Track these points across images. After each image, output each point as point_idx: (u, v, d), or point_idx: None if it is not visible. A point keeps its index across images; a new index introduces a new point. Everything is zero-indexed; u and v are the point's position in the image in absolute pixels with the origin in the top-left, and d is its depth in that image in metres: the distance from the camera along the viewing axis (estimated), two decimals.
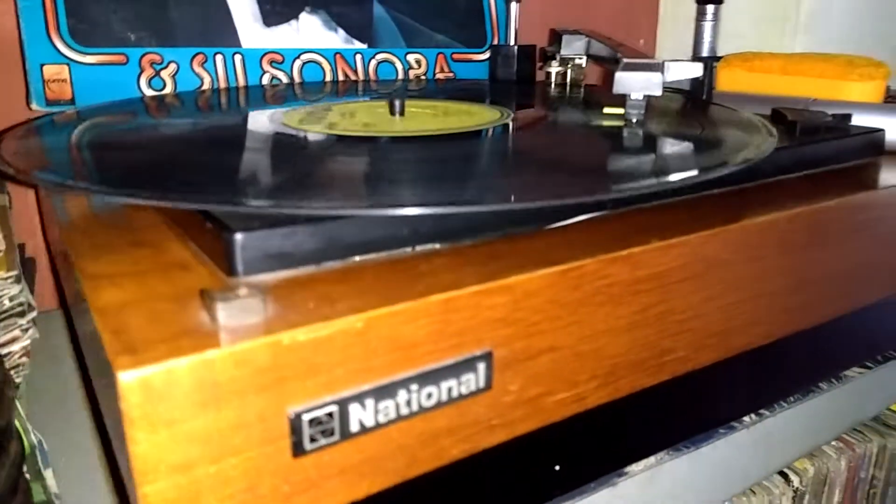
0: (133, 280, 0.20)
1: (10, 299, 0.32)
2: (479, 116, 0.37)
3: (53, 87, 0.43)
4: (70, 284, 0.27)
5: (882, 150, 0.35)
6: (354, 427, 0.19)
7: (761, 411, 0.34)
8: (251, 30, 0.49)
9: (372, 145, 0.32)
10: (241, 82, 0.48)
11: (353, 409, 0.18)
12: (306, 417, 0.18)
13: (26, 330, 0.32)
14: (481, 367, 0.20)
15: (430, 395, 0.20)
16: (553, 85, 0.51)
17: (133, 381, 0.15)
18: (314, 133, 0.33)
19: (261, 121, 0.36)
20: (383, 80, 0.53)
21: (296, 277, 0.20)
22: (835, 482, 0.42)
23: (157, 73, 0.46)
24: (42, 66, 0.42)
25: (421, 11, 0.56)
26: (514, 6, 0.53)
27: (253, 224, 0.20)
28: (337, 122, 0.35)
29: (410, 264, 0.21)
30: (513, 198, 0.23)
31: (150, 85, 0.45)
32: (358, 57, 0.53)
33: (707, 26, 0.56)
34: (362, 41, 0.53)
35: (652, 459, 0.30)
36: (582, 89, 0.50)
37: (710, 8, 0.56)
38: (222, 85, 0.47)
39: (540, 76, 0.55)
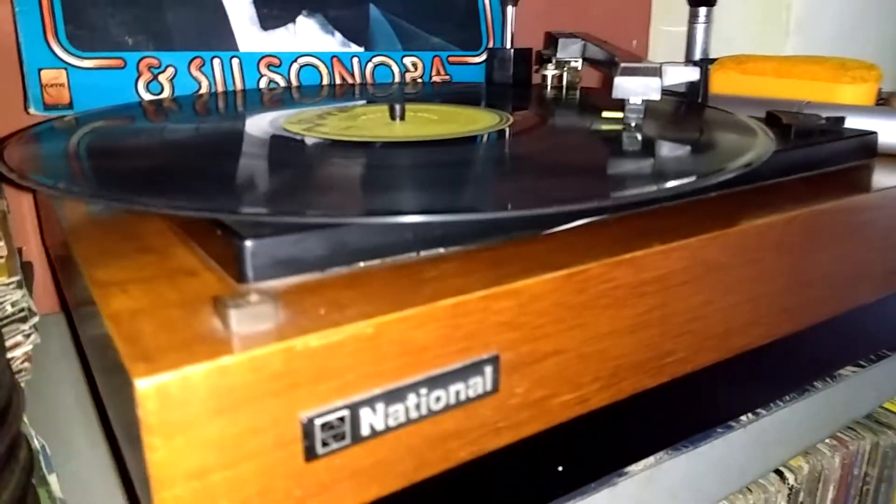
0: (142, 287, 0.21)
1: (12, 305, 0.32)
2: (479, 120, 0.37)
3: (51, 91, 0.43)
4: (74, 289, 0.27)
5: (875, 152, 0.36)
6: (365, 431, 0.19)
7: (758, 410, 0.35)
8: (248, 33, 0.49)
9: (376, 151, 0.32)
10: (239, 86, 0.48)
11: (364, 413, 0.19)
12: (318, 422, 0.18)
13: (28, 335, 0.33)
14: (488, 370, 0.21)
15: (438, 399, 0.20)
16: (549, 88, 0.51)
17: (150, 388, 0.16)
18: (317, 138, 0.33)
19: (264, 126, 0.36)
20: (380, 84, 0.53)
21: (304, 283, 0.21)
22: (829, 479, 0.43)
23: (155, 77, 0.46)
24: (40, 70, 0.42)
25: (416, 14, 0.56)
26: (510, 9, 0.53)
27: (263, 231, 0.20)
28: (338, 127, 0.36)
29: (416, 269, 0.22)
30: (522, 205, 0.23)
31: (147, 89, 0.45)
32: (355, 60, 0.53)
33: (700, 28, 0.57)
34: (359, 44, 0.53)
35: (651, 459, 0.31)
36: (577, 92, 0.50)
37: (702, 10, 0.57)
38: (220, 89, 0.48)
39: (535, 79, 0.56)
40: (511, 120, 0.37)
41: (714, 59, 0.51)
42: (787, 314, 0.30)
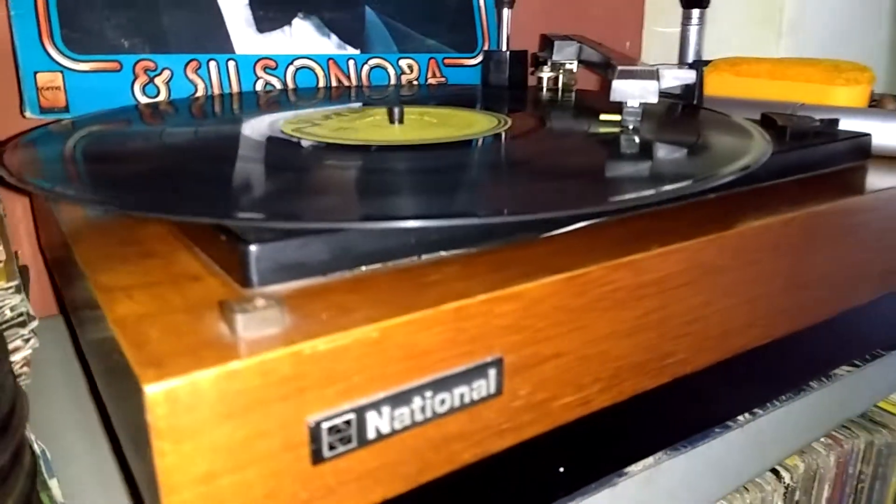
0: (147, 292, 0.21)
1: (11, 309, 0.32)
2: (477, 123, 0.37)
3: (47, 94, 0.43)
4: (76, 293, 0.27)
5: (869, 153, 0.36)
6: (371, 434, 0.19)
7: (755, 410, 0.35)
8: (244, 36, 0.49)
9: (379, 155, 0.32)
10: (235, 88, 0.48)
11: (370, 416, 0.19)
12: (325, 425, 0.18)
13: (27, 340, 0.33)
14: (492, 373, 0.21)
15: (443, 402, 0.20)
16: (545, 90, 0.52)
17: (159, 394, 0.16)
18: (317, 142, 0.33)
19: (264, 129, 0.36)
20: (376, 86, 0.54)
21: (307, 287, 0.21)
22: (824, 478, 0.43)
23: (151, 80, 0.46)
24: (35, 73, 0.42)
25: (411, 17, 0.56)
26: (506, 12, 0.53)
27: (267, 236, 0.20)
28: (339, 130, 0.36)
29: (419, 273, 0.22)
30: (527, 209, 0.23)
31: (144, 92, 0.45)
32: (351, 62, 0.53)
33: (692, 30, 0.57)
34: (355, 47, 0.53)
35: (650, 460, 0.31)
36: (573, 94, 0.51)
37: (695, 12, 0.57)
38: (216, 91, 0.48)
39: (531, 81, 0.56)
40: (510, 123, 0.37)
41: (708, 61, 0.51)
42: (785, 315, 0.30)
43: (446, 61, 0.57)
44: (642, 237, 0.25)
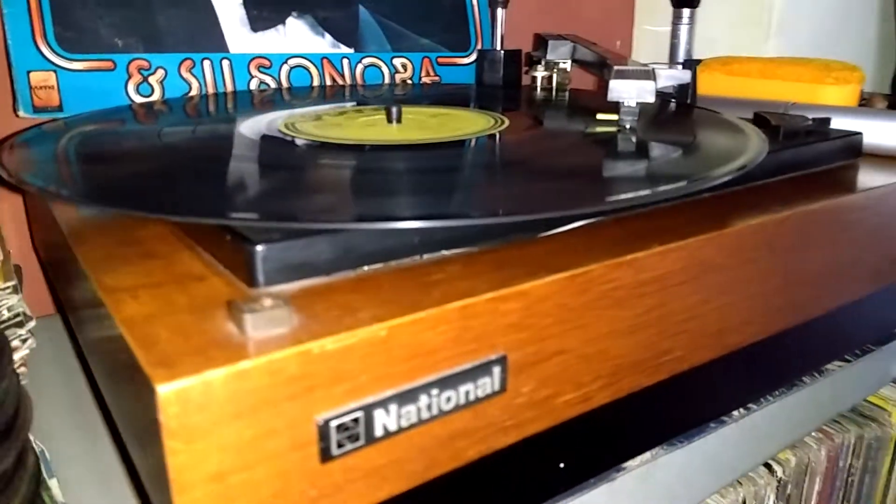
0: (152, 292, 0.21)
1: (9, 310, 0.32)
2: (475, 123, 0.38)
3: (41, 93, 0.43)
4: (77, 293, 0.27)
5: (860, 152, 0.37)
6: (379, 432, 0.19)
7: (749, 405, 0.36)
8: (239, 35, 0.49)
9: (380, 155, 0.32)
10: (230, 87, 0.48)
11: (378, 414, 0.19)
12: (334, 424, 0.18)
13: (25, 340, 0.32)
14: (496, 370, 0.21)
15: (449, 399, 0.20)
16: (539, 89, 0.52)
17: (171, 393, 0.16)
18: (314, 141, 0.33)
19: (262, 129, 0.36)
20: (370, 85, 0.54)
21: (313, 287, 0.21)
22: (815, 472, 0.44)
23: (145, 79, 0.46)
24: (29, 72, 0.42)
25: (405, 16, 0.56)
26: (500, 12, 0.54)
27: (273, 236, 0.20)
28: (335, 129, 0.36)
29: (421, 272, 0.22)
30: (529, 209, 0.23)
31: (137, 91, 0.45)
32: (345, 61, 0.53)
33: (683, 29, 0.58)
34: (348, 45, 0.53)
35: (647, 455, 0.32)
36: (567, 93, 0.51)
37: (685, 11, 0.57)
38: (210, 90, 0.47)
39: (525, 80, 0.56)
40: (506, 122, 0.38)
41: (699, 61, 0.52)
42: (780, 312, 0.30)
43: (440, 60, 0.57)
44: (641, 236, 0.25)
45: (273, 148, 0.33)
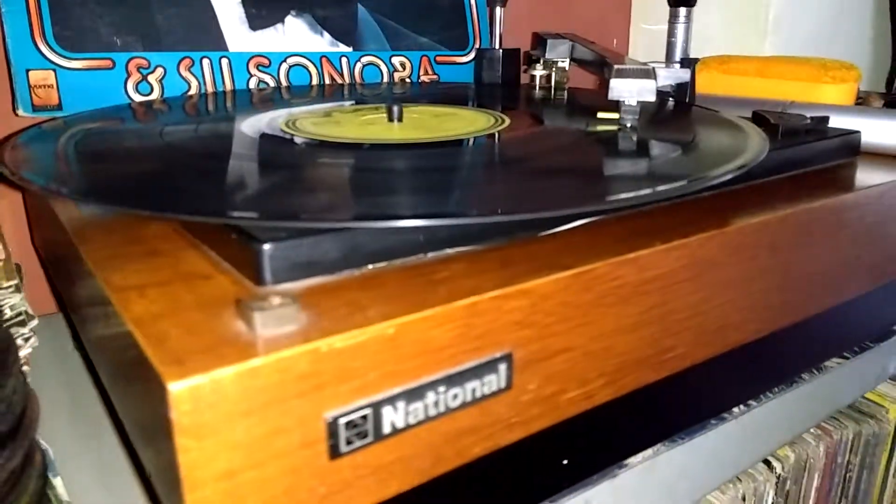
0: (159, 291, 0.21)
1: (11, 308, 0.32)
2: (475, 121, 0.38)
3: (40, 92, 0.42)
4: (81, 292, 0.27)
5: (858, 150, 0.37)
6: (387, 429, 0.19)
7: (749, 402, 0.36)
8: (237, 33, 0.49)
9: (383, 154, 0.32)
10: (229, 86, 0.48)
11: (386, 411, 0.19)
12: (342, 421, 0.18)
13: (27, 339, 0.32)
14: (502, 367, 0.21)
15: (455, 396, 0.20)
16: (537, 88, 0.52)
17: (183, 391, 0.16)
18: (317, 140, 0.33)
19: (264, 127, 0.36)
20: (369, 84, 0.54)
21: (319, 285, 0.21)
22: (814, 468, 0.44)
23: (144, 78, 0.45)
24: (28, 71, 0.42)
25: (404, 14, 0.56)
26: (499, 10, 0.54)
27: (280, 234, 0.20)
28: (335, 127, 0.36)
29: (427, 270, 0.22)
30: (534, 207, 0.24)
31: (137, 90, 0.45)
32: (344, 60, 0.53)
33: (680, 28, 0.58)
34: (347, 44, 0.53)
35: (649, 451, 0.32)
36: (565, 92, 0.51)
37: (682, 10, 0.58)
38: (209, 89, 0.47)
39: (523, 79, 0.56)
40: (507, 121, 0.38)
41: (696, 59, 0.52)
42: (780, 309, 0.31)
43: (438, 59, 0.57)
44: (642, 234, 0.25)
45: (276, 147, 0.33)
